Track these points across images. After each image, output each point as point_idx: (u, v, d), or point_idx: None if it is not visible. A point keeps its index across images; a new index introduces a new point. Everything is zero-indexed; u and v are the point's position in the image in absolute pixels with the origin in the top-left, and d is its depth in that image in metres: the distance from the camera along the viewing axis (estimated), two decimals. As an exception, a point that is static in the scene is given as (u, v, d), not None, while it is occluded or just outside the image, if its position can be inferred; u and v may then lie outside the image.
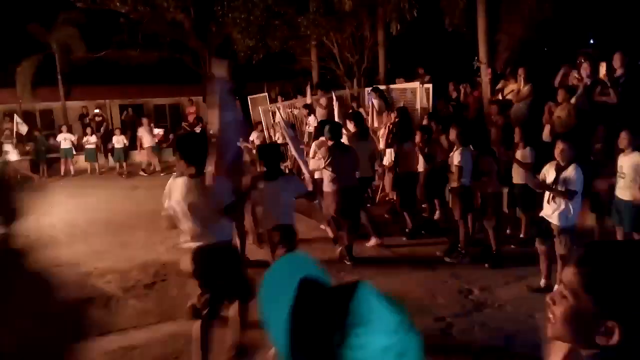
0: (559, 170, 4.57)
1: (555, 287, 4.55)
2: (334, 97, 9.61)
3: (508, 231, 6.54)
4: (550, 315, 1.10)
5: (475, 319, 4.42)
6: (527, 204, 6.07)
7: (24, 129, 15.67)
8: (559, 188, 4.51)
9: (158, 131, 16.31)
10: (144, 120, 15.27)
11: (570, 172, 4.49)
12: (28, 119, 18.06)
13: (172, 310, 4.70)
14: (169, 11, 17.95)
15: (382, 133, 8.01)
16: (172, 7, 17.28)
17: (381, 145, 7.92)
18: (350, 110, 9.08)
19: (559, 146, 4.58)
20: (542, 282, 4.90)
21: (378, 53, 13.06)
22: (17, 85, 19.15)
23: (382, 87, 10.61)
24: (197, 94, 20.04)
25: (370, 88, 10.01)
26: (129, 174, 14.40)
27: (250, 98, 15.86)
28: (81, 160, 15.62)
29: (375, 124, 8.62)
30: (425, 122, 7.48)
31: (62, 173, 15.07)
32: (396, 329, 0.76)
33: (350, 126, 6.57)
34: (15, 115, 15.98)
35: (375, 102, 9.04)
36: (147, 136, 14.64)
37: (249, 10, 13.46)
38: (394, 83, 11.06)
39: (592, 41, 11.42)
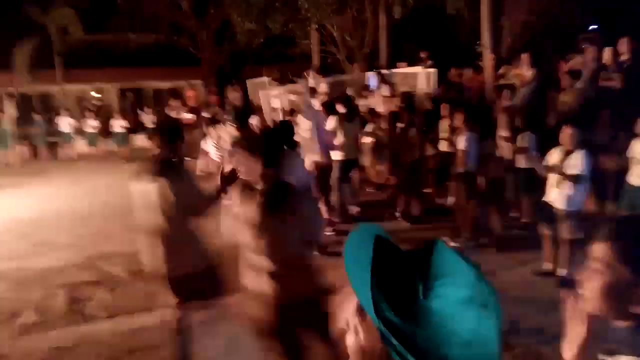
0: (566, 154, 4.58)
1: (562, 271, 4.63)
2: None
3: (511, 215, 6.58)
4: (586, 292, 1.15)
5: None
6: (530, 188, 6.09)
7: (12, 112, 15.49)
8: (566, 172, 4.53)
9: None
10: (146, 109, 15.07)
11: (577, 156, 4.51)
12: (26, 103, 17.96)
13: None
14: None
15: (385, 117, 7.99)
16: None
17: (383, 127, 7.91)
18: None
19: (567, 131, 4.58)
20: (546, 265, 4.95)
21: (379, 37, 12.99)
22: (15, 68, 18.98)
23: (385, 71, 10.55)
24: (195, 77, 19.95)
25: (373, 71, 9.97)
26: (130, 157, 14.37)
27: (249, 82, 15.76)
28: (81, 144, 15.59)
29: (382, 109, 8.59)
30: (429, 106, 7.48)
31: (62, 157, 15.05)
32: (475, 282, 0.79)
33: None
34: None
35: (384, 87, 9.00)
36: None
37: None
38: (396, 67, 11.01)
39: (595, 26, 11.33)
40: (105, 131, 15.88)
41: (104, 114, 17.04)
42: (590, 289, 1.15)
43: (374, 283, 0.76)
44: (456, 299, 0.76)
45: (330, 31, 13.83)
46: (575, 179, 4.49)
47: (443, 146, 6.69)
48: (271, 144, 4.30)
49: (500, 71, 9.21)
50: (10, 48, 18.80)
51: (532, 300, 4.36)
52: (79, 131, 15.70)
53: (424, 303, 0.76)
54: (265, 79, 15.49)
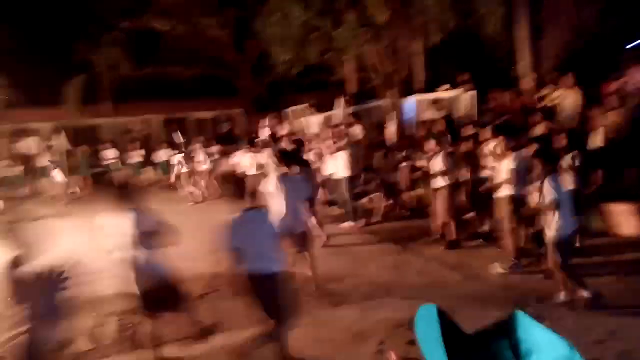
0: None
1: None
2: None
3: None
4: None
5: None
6: (579, 211, 5.89)
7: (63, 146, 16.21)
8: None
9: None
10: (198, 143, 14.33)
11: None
12: (76, 135, 18.83)
13: (226, 321, 4.78)
14: (209, 28, 18.51)
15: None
16: (212, 24, 17.76)
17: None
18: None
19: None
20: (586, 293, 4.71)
21: (415, 62, 13.03)
22: (66, 102, 20.03)
23: (424, 95, 10.57)
24: (234, 107, 20.52)
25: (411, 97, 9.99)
26: (172, 186, 14.75)
27: (290, 110, 16.08)
28: (126, 174, 16.12)
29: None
30: (470, 129, 7.40)
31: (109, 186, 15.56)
32: (568, 355, 0.78)
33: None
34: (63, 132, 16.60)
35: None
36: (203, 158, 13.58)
37: (286, 25, 13.67)
38: (434, 91, 11.00)
39: (633, 44, 11.04)
40: (150, 161, 16.42)
41: (148, 144, 17.65)
42: None
43: None
44: None
45: (366, 58, 13.97)
46: None
47: (485, 170, 6.59)
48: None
49: (542, 93, 9.07)
50: (61, 84, 19.89)
51: (585, 329, 4.19)
52: (124, 161, 16.28)
53: None
54: (302, 106, 15.78)
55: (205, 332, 4.66)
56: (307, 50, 14.14)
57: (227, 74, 20.33)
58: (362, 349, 4.20)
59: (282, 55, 14.63)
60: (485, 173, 6.51)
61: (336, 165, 8.15)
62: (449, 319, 0.87)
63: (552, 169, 4.96)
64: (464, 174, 6.79)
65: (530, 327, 0.80)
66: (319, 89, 17.64)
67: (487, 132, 6.55)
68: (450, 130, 7.17)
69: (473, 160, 6.98)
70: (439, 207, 6.72)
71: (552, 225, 4.56)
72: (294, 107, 16.03)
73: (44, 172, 15.08)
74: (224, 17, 18.33)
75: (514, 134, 5.99)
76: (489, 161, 6.24)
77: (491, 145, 6.32)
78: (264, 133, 13.82)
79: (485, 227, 7.05)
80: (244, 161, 10.61)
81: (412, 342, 4.37)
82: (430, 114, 9.17)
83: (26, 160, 15.52)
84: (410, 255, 6.16)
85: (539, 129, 7.17)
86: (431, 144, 7.25)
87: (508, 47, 12.22)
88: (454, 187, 6.70)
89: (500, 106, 9.66)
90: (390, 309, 4.92)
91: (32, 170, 15.40)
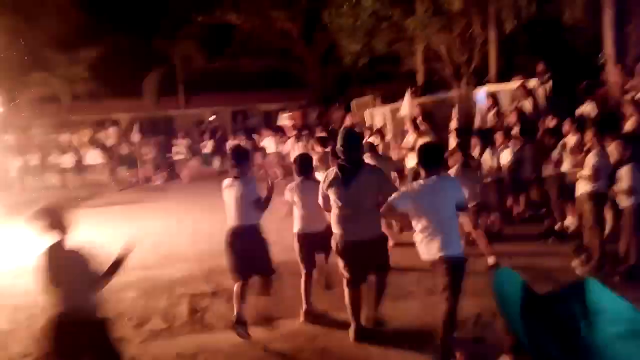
0: None
1: None
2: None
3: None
4: None
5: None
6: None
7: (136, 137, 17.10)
8: None
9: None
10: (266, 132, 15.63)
11: None
12: (153, 126, 19.85)
13: (290, 308, 4.87)
14: (278, 21, 18.79)
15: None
16: (282, 17, 18.00)
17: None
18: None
19: None
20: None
21: (488, 51, 12.54)
22: (144, 95, 21.15)
23: (495, 86, 10.16)
24: (301, 99, 20.75)
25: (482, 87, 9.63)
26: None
27: (354, 102, 16.02)
28: (197, 164, 16.76)
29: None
30: (551, 122, 7.00)
31: (182, 176, 16.25)
32: (633, 317, 0.84)
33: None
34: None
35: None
36: (271, 145, 14.93)
37: (355, 16, 13.59)
38: (508, 82, 10.52)
39: None
40: (220, 151, 16.95)
41: (218, 135, 18.23)
42: None
43: (530, 322, 0.84)
44: (616, 333, 0.81)
45: (436, 48, 13.62)
46: None
47: (566, 165, 6.22)
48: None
49: (628, 85, 8.41)
50: (140, 77, 21.02)
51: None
52: (196, 152, 16.91)
53: (585, 338, 0.81)
54: (367, 98, 15.67)
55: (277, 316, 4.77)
56: (375, 41, 14.01)
57: (295, 67, 20.58)
58: (425, 345, 4.12)
59: (351, 46, 14.59)
60: (564, 168, 6.15)
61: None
62: (524, 282, 0.94)
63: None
64: (548, 169, 6.45)
65: (600, 292, 0.87)
66: (385, 80, 17.45)
67: (568, 124, 6.17)
68: (523, 122, 6.83)
69: (548, 154, 6.63)
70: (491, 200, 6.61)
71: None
72: (358, 99, 15.94)
73: (123, 161, 16.02)
74: (294, 10, 18.52)
75: (611, 127, 5.62)
76: (570, 155, 5.88)
77: (572, 139, 5.96)
78: (283, 122, 14.66)
79: (565, 224, 6.67)
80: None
81: (478, 340, 4.25)
82: (502, 106, 8.78)
83: (107, 149, 16.57)
84: (474, 249, 5.94)
85: (631, 123, 6.68)
86: (499, 137, 6.98)
87: (590, 34, 11.47)
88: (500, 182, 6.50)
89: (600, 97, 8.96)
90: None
91: (112, 159, 16.44)
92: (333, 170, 4.11)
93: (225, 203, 4.63)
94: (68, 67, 18.53)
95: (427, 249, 3.63)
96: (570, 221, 6.63)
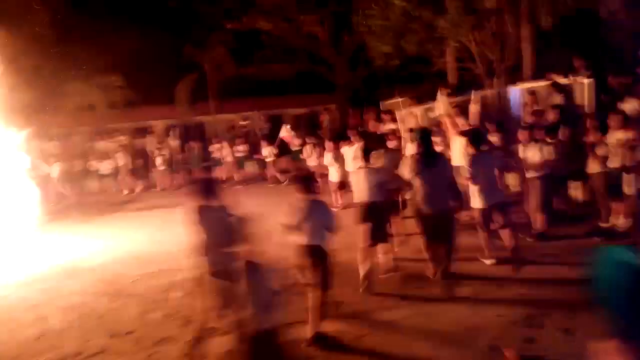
0: None
1: None
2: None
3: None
4: None
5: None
6: None
7: (174, 142, 17.38)
8: None
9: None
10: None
11: None
12: (187, 132, 20.20)
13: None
14: (306, 25, 18.91)
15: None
16: (310, 21, 18.09)
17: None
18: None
19: None
20: None
21: (522, 48, 12.33)
22: (176, 102, 21.57)
23: (529, 83, 9.98)
24: (330, 102, 20.80)
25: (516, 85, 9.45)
26: (274, 179, 15.29)
27: (383, 104, 15.96)
28: (231, 168, 16.95)
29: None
30: (592, 119, 6.83)
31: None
32: None
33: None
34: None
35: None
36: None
37: (385, 17, 13.57)
38: (544, 79, 10.31)
39: None
40: (252, 155, 17.13)
41: (250, 139, 18.42)
42: None
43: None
44: None
45: (468, 46, 13.45)
46: None
47: (613, 162, 6.05)
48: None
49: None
50: (174, 84, 21.45)
51: None
52: (229, 156, 17.10)
53: None
54: (399, 99, 15.56)
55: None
56: (406, 41, 13.92)
57: (323, 70, 20.64)
58: (473, 344, 4.09)
59: (381, 48, 14.55)
60: (611, 164, 5.98)
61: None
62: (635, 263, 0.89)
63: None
64: (594, 166, 6.29)
65: None
66: (415, 82, 17.32)
67: (616, 119, 5.99)
68: (562, 120, 6.69)
69: (588, 151, 6.47)
70: (532, 198, 6.51)
71: None
72: (389, 101, 15.87)
73: (159, 165, 16.37)
74: (322, 13, 18.60)
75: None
76: (617, 152, 5.72)
77: (619, 136, 5.80)
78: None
79: (615, 223, 6.48)
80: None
81: (529, 341, 4.19)
82: (541, 103, 8.61)
83: (144, 155, 16.93)
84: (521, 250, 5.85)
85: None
86: (525, 134, 6.83)
87: (629, 28, 11.15)
88: (548, 179, 6.40)
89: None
90: (503, 306, 4.74)
91: (148, 164, 16.81)
92: (413, 158, 5.27)
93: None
94: (103, 75, 19.04)
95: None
96: (621, 221, 6.44)
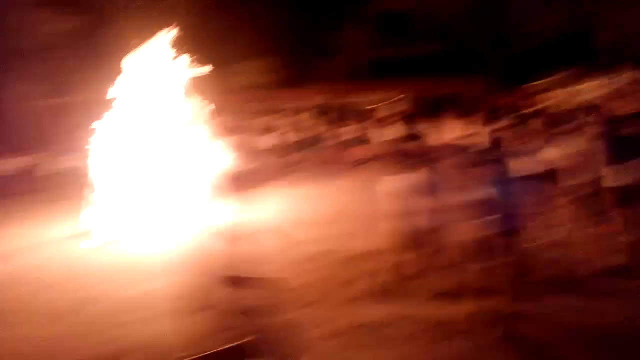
0: None
1: None
2: None
3: None
4: None
5: None
6: None
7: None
8: None
9: None
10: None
11: None
12: (328, 114, 21.02)
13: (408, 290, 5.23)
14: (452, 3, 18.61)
15: None
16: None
17: None
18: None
19: None
20: None
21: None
22: (321, 83, 22.38)
23: None
24: (478, 82, 20.37)
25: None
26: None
27: (536, 84, 15.36)
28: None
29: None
30: None
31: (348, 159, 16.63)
32: None
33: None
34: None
35: None
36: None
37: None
38: None
39: None
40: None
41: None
42: None
43: None
44: None
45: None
46: None
47: None
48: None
49: None
50: (317, 66, 22.36)
51: None
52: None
53: None
54: (551, 79, 14.80)
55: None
56: (557, 18, 13.20)
57: (471, 49, 20.24)
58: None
59: (531, 25, 13.95)
60: None
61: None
62: None
63: None
64: None
65: None
66: (565, 62, 16.26)
67: None
68: None
69: None
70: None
71: None
72: (541, 81, 15.24)
73: (301, 146, 17.35)
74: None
75: None
76: None
77: None
78: None
79: None
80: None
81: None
82: None
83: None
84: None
85: None
86: None
87: None
88: None
89: None
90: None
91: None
92: None
93: None
94: (261, 58, 20.60)
95: None
96: None
